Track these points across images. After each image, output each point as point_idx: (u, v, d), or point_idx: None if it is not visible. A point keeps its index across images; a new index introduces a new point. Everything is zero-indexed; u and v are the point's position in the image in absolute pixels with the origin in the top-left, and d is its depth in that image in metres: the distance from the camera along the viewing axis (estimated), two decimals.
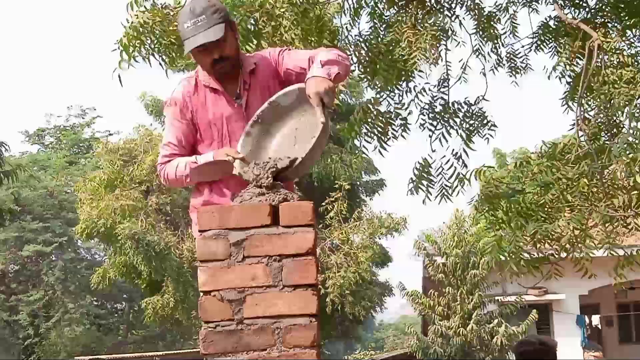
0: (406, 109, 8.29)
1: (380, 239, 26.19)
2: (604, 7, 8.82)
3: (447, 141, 8.29)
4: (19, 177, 24.75)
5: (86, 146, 45.21)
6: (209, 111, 4.19)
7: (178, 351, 30.64)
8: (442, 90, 8.60)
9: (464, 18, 8.75)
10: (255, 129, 3.97)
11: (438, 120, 8.45)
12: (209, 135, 4.21)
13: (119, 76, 6.99)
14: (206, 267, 3.24)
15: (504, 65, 9.09)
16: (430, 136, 8.36)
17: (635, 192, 6.85)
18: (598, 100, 7.95)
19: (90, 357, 30.13)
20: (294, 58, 4.22)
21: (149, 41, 7.24)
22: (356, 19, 8.42)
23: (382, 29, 8.57)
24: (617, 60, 7.98)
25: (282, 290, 3.20)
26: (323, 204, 23.31)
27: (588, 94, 8.04)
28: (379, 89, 8.38)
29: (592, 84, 7.72)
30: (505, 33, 9.03)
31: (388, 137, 8.06)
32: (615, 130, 8.08)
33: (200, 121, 4.21)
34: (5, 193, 34.92)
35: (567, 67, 8.66)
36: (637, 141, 6.60)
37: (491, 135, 8.48)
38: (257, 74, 4.22)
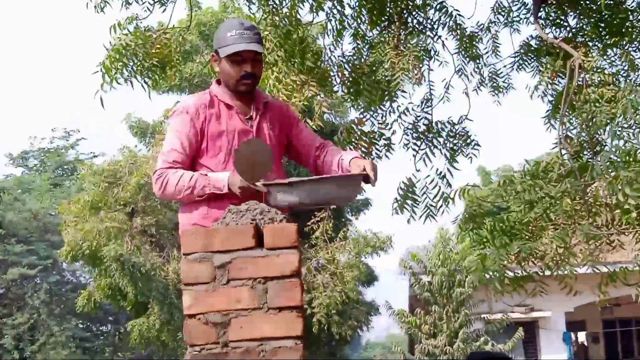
0: (390, 128, 8.32)
1: (366, 258, 26.17)
2: (584, 26, 8.90)
3: (431, 161, 8.32)
4: (2, 200, 24.76)
5: (70, 168, 45.05)
6: (222, 123, 4.23)
7: None
8: (425, 110, 8.64)
9: (446, 38, 8.80)
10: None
11: (422, 140, 8.48)
12: (217, 146, 4.22)
13: (101, 98, 7.01)
14: (191, 290, 3.25)
15: (486, 84, 9.14)
16: (414, 156, 8.39)
17: (618, 209, 6.88)
18: (580, 118, 8.00)
19: None
20: (308, 134, 4.52)
21: (131, 63, 7.25)
22: (339, 39, 8.45)
23: (365, 49, 8.60)
24: (599, 78, 8.04)
25: (267, 313, 3.20)
26: (308, 223, 23.26)
27: (570, 112, 8.10)
28: (362, 109, 8.41)
29: (574, 103, 7.77)
30: (487, 53, 9.09)
31: (372, 157, 8.08)
32: (597, 148, 8.13)
33: (211, 131, 4.22)
34: None
35: (549, 86, 8.72)
36: (619, 159, 6.63)
37: (475, 155, 8.51)
38: (269, 109, 4.36)
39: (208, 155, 4.23)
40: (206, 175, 4.13)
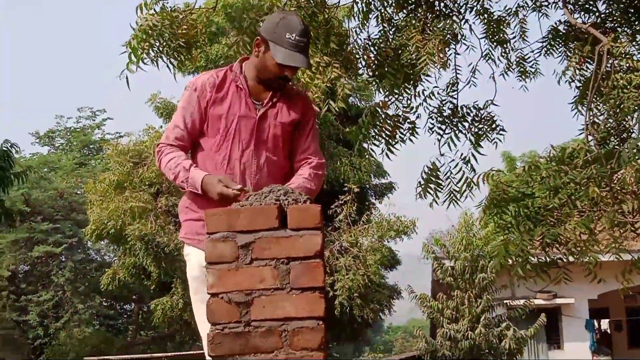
0: (414, 112, 8.29)
1: (389, 241, 26.18)
2: (613, 12, 8.82)
3: (455, 145, 8.28)
4: (29, 179, 24.86)
5: (96, 148, 45.25)
6: (224, 104, 4.24)
7: (186, 352, 30.67)
8: (450, 94, 8.60)
9: (473, 22, 8.75)
10: None
11: (447, 124, 8.45)
12: (215, 128, 4.24)
13: (127, 78, 7.02)
14: (214, 269, 3.26)
15: (513, 69, 9.08)
16: (438, 140, 8.36)
17: None
18: (607, 104, 7.94)
19: (99, 357, 30.18)
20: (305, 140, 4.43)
21: (157, 44, 7.26)
22: (365, 22, 8.42)
23: (390, 32, 8.57)
24: (627, 65, 7.96)
25: (290, 293, 3.21)
26: (332, 206, 23.30)
27: (597, 98, 8.03)
28: (387, 93, 8.38)
29: (602, 89, 7.71)
30: (514, 37, 9.03)
31: (396, 140, 8.07)
32: (624, 135, 8.07)
33: (212, 113, 4.24)
34: (15, 194, 35.00)
35: (577, 71, 8.66)
36: None
37: (500, 140, 8.47)
38: (290, 98, 4.34)
39: (207, 136, 4.26)
40: (188, 170, 4.15)
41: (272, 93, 4.29)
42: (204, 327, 3.72)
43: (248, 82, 4.29)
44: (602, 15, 8.83)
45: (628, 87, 7.48)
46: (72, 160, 43.70)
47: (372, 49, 8.43)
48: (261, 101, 4.28)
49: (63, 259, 39.83)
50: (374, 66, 8.36)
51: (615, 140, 8.14)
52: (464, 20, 8.67)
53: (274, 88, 4.28)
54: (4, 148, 17.03)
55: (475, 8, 8.69)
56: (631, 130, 8.03)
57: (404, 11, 8.55)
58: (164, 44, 7.31)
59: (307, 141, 4.39)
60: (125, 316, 45.46)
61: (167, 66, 7.51)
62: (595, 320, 25.23)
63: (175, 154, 4.22)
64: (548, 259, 7.40)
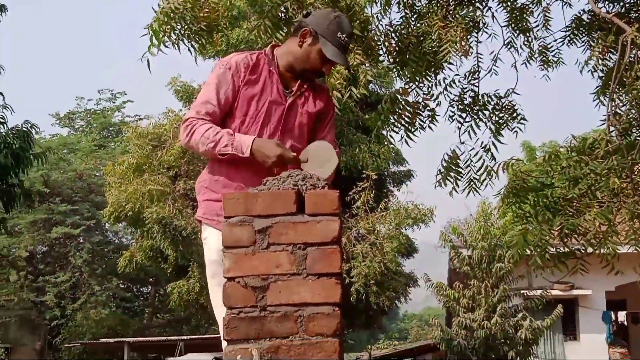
0: (435, 100, 8.24)
1: (406, 229, 26.16)
2: (638, 1, 8.73)
3: (475, 134, 8.23)
4: (48, 160, 24.99)
5: (116, 130, 45.45)
6: (257, 87, 4.23)
7: (202, 336, 30.83)
8: (472, 82, 8.54)
9: (496, 10, 8.68)
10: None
11: (467, 112, 8.40)
12: (244, 110, 4.20)
13: (148, 61, 7.00)
14: (231, 253, 3.26)
15: (535, 58, 9.01)
16: (459, 128, 8.32)
17: None
18: (630, 95, 7.87)
19: (115, 339, 30.42)
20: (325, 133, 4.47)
21: (179, 27, 7.24)
22: (387, 8, 8.37)
23: (413, 19, 8.51)
24: None
25: (306, 279, 3.21)
26: (350, 193, 23.29)
27: (620, 89, 7.96)
28: (407, 80, 8.34)
29: (625, 79, 7.64)
30: (537, 26, 8.95)
31: (415, 127, 8.03)
32: None
33: (244, 93, 4.20)
34: (35, 175, 35.24)
35: (600, 61, 8.57)
36: None
37: (520, 129, 8.41)
38: (314, 89, 4.40)
39: (235, 116, 4.21)
40: (233, 135, 4.09)
41: (299, 82, 4.32)
42: (220, 311, 3.70)
43: (279, 70, 4.31)
44: (627, 5, 8.74)
45: None
46: (92, 142, 43.92)
47: (393, 35, 8.38)
48: (290, 89, 4.31)
49: (81, 241, 40.08)
50: (395, 53, 8.32)
51: (637, 132, 8.07)
52: (486, 8, 8.61)
53: (305, 79, 4.33)
54: (24, 129, 17.12)
55: None
56: None
57: None
58: (186, 27, 7.30)
59: (325, 131, 4.43)
60: (142, 299, 45.77)
61: (189, 49, 7.50)
62: (612, 312, 25.14)
63: (211, 125, 4.13)
64: (566, 250, 7.36)
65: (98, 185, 38.01)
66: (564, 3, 8.92)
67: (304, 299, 3.19)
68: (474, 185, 7.90)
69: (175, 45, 7.31)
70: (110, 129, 46.33)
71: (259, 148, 4.01)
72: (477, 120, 8.34)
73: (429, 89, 8.29)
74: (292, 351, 3.17)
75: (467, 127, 8.29)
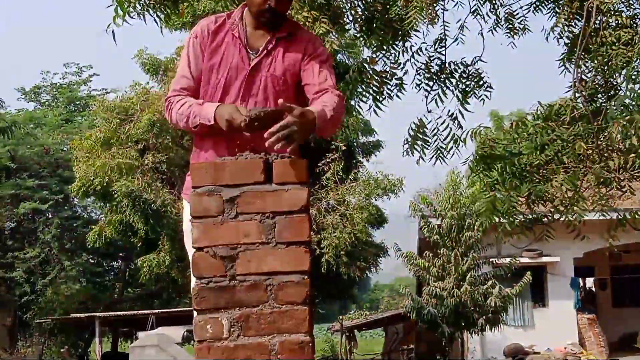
0: (402, 68, 8.24)
1: (376, 200, 26.24)
2: None
3: (442, 102, 8.24)
4: (15, 134, 24.80)
5: (82, 104, 45.04)
6: (217, 55, 4.01)
7: (173, 309, 30.81)
8: (438, 50, 8.54)
9: None
10: None
11: (434, 81, 8.40)
12: (207, 79, 4.02)
13: (113, 33, 6.92)
14: (199, 223, 3.25)
15: (502, 26, 9.02)
16: (426, 96, 8.33)
17: (632, 154, 6.85)
18: (595, 61, 7.91)
19: (86, 314, 30.30)
20: (314, 73, 4.00)
21: None
22: None
23: None
24: (616, 21, 7.93)
25: (275, 247, 3.21)
26: (319, 164, 23.30)
27: (586, 55, 8.00)
28: (374, 49, 8.32)
29: (590, 46, 7.68)
30: None
31: (383, 96, 8.03)
32: (612, 92, 8.05)
33: (206, 63, 4.03)
34: (1, 150, 34.89)
35: (565, 28, 8.60)
36: (633, 103, 6.59)
37: (487, 97, 8.44)
38: (291, 43, 4.03)
39: (202, 85, 4.04)
40: (202, 104, 3.90)
41: (268, 40, 4.01)
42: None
43: (247, 29, 4.04)
44: None
45: (616, 44, 7.46)
46: (58, 116, 43.53)
47: (360, 3, 8.35)
48: (256, 49, 4.02)
49: (49, 216, 39.82)
50: (361, 21, 8.29)
51: (603, 98, 8.12)
52: None
53: (272, 28, 3.99)
54: None
55: None
56: (618, 88, 8.02)
57: None
58: None
59: (315, 71, 3.99)
60: (112, 273, 45.63)
61: (154, 20, 7.43)
62: (580, 279, 25.40)
63: (186, 99, 3.97)
64: (534, 216, 7.42)
65: (66, 160, 37.66)
66: None
67: (273, 268, 3.19)
68: (440, 154, 7.92)
69: (141, 16, 7.23)
70: (77, 102, 45.92)
71: (218, 114, 3.76)
72: (444, 89, 8.35)
73: (396, 57, 8.28)
74: (262, 320, 3.17)
75: (434, 95, 8.31)
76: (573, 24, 8.47)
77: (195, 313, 3.24)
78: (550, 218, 7.60)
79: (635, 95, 6.52)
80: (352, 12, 8.28)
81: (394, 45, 8.24)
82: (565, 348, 22.94)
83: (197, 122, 3.86)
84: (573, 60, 8.02)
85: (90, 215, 42.74)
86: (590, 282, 28.81)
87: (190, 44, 4.10)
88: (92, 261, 43.07)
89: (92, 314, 29.83)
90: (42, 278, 38.06)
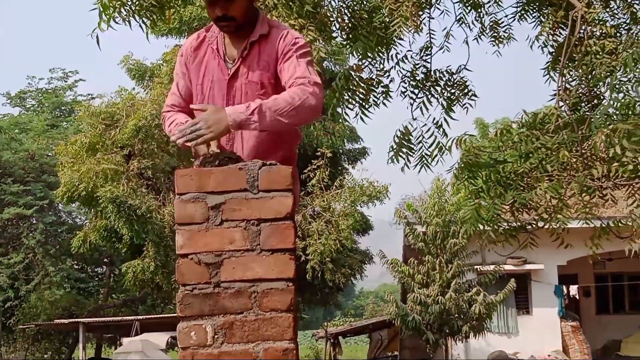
0: (388, 76, 8.27)
1: (361, 206, 26.26)
2: None
3: (427, 109, 8.29)
4: None
5: (68, 109, 44.86)
6: (200, 71, 4.02)
7: (158, 315, 30.72)
8: (424, 58, 8.58)
9: None
10: None
11: (419, 89, 8.44)
12: (195, 96, 4.04)
13: (97, 38, 6.92)
14: (184, 229, 3.25)
15: (487, 34, 9.07)
16: (411, 104, 8.36)
17: (615, 163, 6.89)
18: (580, 70, 7.97)
19: (70, 320, 30.18)
20: (288, 69, 3.89)
21: (129, 3, 7.17)
22: None
23: None
24: (600, 31, 7.99)
25: (260, 254, 3.21)
26: (305, 171, 23.29)
27: (570, 64, 8.06)
28: (360, 56, 8.35)
29: (574, 55, 7.73)
30: (489, 2, 9.01)
31: (369, 104, 8.06)
32: (595, 101, 8.11)
33: (193, 80, 4.06)
34: None
35: (550, 37, 8.66)
36: (617, 112, 6.63)
37: (471, 105, 8.49)
38: (264, 44, 3.95)
39: (194, 102, 4.02)
40: (185, 123, 3.78)
41: (243, 47, 3.95)
42: None
43: (225, 40, 4.02)
44: None
45: (600, 53, 7.51)
46: (44, 121, 43.32)
47: (346, 11, 8.38)
48: (234, 59, 3.99)
49: (34, 221, 39.59)
50: (347, 29, 8.33)
51: (587, 106, 8.17)
52: None
53: (238, 33, 3.94)
54: None
55: None
56: (602, 97, 8.08)
57: None
58: (136, 3, 7.23)
59: (290, 67, 3.86)
60: (97, 279, 45.40)
61: (140, 26, 7.43)
62: (564, 286, 25.44)
63: (175, 116, 4.03)
64: (518, 224, 7.45)
65: (50, 166, 37.48)
66: None
67: (258, 275, 3.19)
68: (425, 161, 7.95)
69: (126, 22, 7.23)
70: (63, 108, 45.74)
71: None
72: (429, 96, 8.39)
73: (382, 65, 8.32)
74: (247, 327, 3.18)
75: (419, 103, 8.35)
76: (558, 33, 8.54)
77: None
78: (534, 226, 7.64)
79: (618, 104, 6.56)
80: (339, 20, 8.32)
81: (380, 53, 8.28)
82: (549, 355, 22.98)
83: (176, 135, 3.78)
84: (558, 68, 8.07)
85: (75, 221, 42.55)
86: (574, 289, 28.87)
87: (177, 62, 4.17)
88: (77, 267, 42.83)
89: (76, 319, 29.72)
90: (26, 284, 37.83)
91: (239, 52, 3.97)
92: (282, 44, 3.91)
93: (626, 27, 8.49)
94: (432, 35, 8.57)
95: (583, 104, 8.22)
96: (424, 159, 7.95)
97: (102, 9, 6.92)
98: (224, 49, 4.02)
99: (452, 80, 8.48)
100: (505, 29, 9.08)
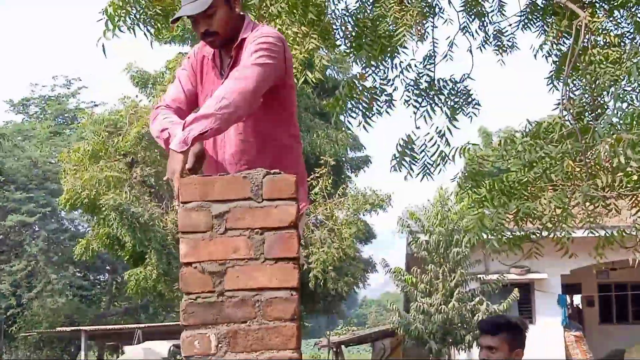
0: (391, 85, 8.26)
1: (364, 215, 26.24)
2: None
3: (431, 118, 8.27)
4: (3, 147, 24.69)
5: (71, 117, 45.01)
6: (204, 83, 4.06)
7: (160, 324, 30.71)
8: (427, 67, 8.58)
9: None
10: None
11: (423, 97, 8.43)
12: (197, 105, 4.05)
13: (103, 46, 6.94)
14: (187, 238, 3.24)
15: (490, 43, 9.06)
16: (414, 113, 8.35)
17: (619, 172, 6.88)
18: (583, 80, 7.96)
19: (72, 328, 30.17)
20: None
21: (134, 11, 7.18)
22: None
23: (369, 3, 8.52)
24: (604, 40, 7.98)
25: (264, 263, 3.20)
26: (308, 179, 23.27)
27: (574, 73, 8.05)
28: (364, 64, 8.35)
29: (578, 64, 7.72)
30: (492, 11, 9.00)
31: (373, 112, 8.05)
32: (599, 110, 8.09)
33: (193, 85, 4.09)
34: None
35: (554, 46, 8.66)
36: (621, 122, 6.61)
37: (475, 114, 8.47)
38: (244, 48, 3.91)
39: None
40: (175, 125, 3.76)
41: (230, 56, 3.97)
42: None
43: (222, 51, 4.04)
44: None
45: (604, 62, 7.50)
46: (47, 128, 43.44)
47: (349, 19, 8.38)
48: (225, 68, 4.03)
49: (36, 229, 39.67)
50: (351, 37, 8.32)
51: (590, 116, 8.16)
52: None
53: (215, 48, 4.00)
54: None
55: None
56: (606, 106, 8.06)
57: None
58: (141, 11, 7.24)
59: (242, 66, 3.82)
60: (99, 287, 45.42)
61: (145, 34, 7.45)
62: (567, 296, 25.39)
63: (166, 114, 3.94)
64: (522, 233, 7.43)
65: (53, 173, 37.57)
66: None
67: (262, 284, 3.18)
68: (428, 170, 7.94)
69: (131, 30, 7.25)
70: (66, 115, 45.86)
71: (169, 161, 3.56)
72: (433, 105, 8.38)
73: (385, 74, 8.31)
74: (250, 336, 3.17)
75: (423, 112, 8.33)
76: (561, 42, 8.53)
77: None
78: (538, 235, 7.62)
79: (622, 113, 6.55)
80: (342, 28, 8.32)
81: (383, 62, 8.27)
82: None
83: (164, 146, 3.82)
84: (561, 78, 8.07)
85: (78, 229, 42.63)
86: (577, 299, 28.83)
87: (183, 62, 4.19)
88: (79, 274, 42.89)
89: (78, 327, 29.71)
90: (28, 291, 37.87)
91: (229, 58, 3.98)
92: (250, 47, 3.86)
93: (630, 37, 8.49)
94: (435, 44, 8.57)
95: (587, 114, 8.21)
96: (426, 167, 7.93)
97: (108, 18, 6.94)
98: (220, 61, 4.05)
99: (456, 89, 8.47)
100: (509, 38, 9.08)
